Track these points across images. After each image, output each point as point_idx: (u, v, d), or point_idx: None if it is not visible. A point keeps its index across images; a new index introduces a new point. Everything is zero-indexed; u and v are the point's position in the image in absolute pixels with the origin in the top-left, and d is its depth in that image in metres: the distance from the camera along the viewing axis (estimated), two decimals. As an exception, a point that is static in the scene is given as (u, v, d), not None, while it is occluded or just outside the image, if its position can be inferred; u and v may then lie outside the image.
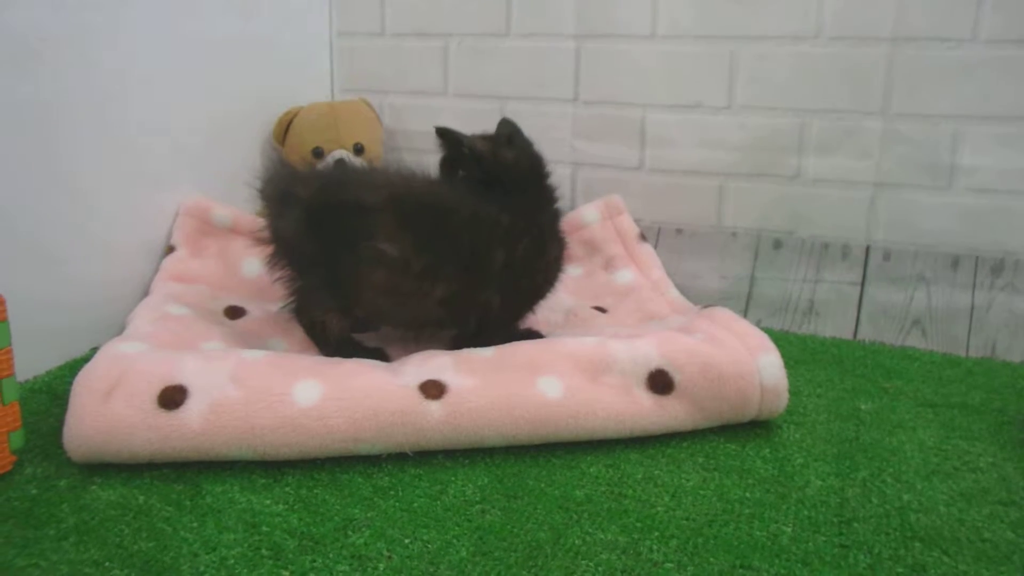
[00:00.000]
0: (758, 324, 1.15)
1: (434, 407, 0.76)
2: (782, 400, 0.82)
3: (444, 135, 0.92)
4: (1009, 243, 1.13)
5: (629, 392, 0.81)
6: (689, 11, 1.22)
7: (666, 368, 0.81)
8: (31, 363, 0.91)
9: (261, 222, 0.96)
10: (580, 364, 0.82)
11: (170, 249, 1.10)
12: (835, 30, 1.16)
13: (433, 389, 0.77)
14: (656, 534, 0.66)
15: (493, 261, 0.88)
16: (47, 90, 0.92)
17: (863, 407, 0.89)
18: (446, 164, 0.94)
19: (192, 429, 0.72)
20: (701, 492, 0.72)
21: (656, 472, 0.75)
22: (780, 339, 1.05)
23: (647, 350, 0.82)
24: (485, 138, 0.94)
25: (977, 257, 1.14)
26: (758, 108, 1.22)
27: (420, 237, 0.86)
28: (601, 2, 1.27)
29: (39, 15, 0.90)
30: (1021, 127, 1.10)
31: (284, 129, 1.28)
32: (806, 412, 0.88)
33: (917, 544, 0.65)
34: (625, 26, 1.26)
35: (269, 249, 0.94)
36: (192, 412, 0.73)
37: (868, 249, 1.19)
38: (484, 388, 0.78)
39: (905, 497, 0.71)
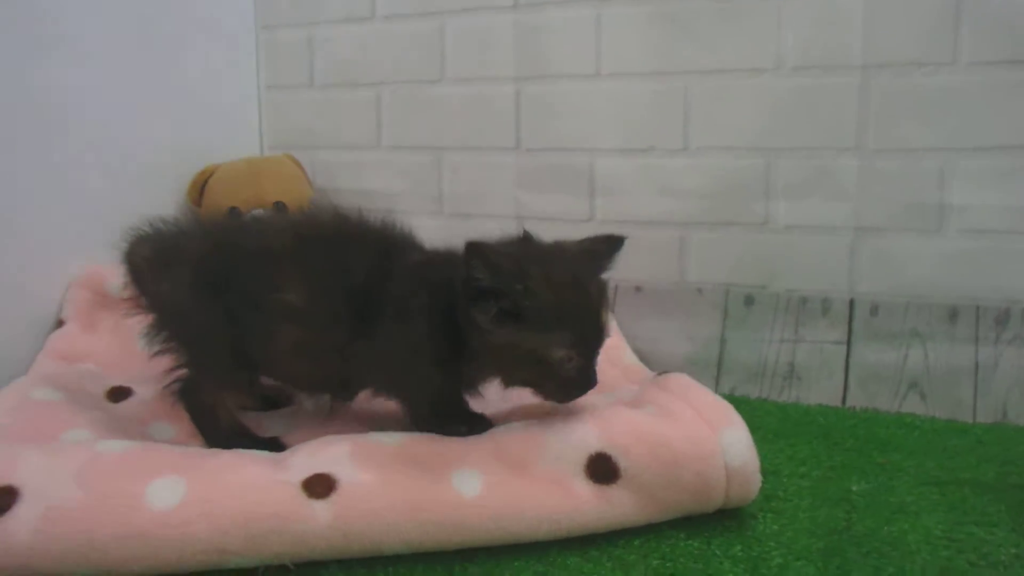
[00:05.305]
0: (732, 392, 1.04)
1: (319, 508, 0.62)
2: (753, 484, 0.69)
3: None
4: (1013, 290, 1.00)
5: (564, 483, 0.67)
6: (635, 46, 1.13)
7: (608, 452, 0.67)
8: None
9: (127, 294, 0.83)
10: (502, 453, 0.68)
11: (59, 323, 0.99)
12: (798, 59, 1.05)
13: (319, 486, 0.64)
14: (585, 676, 0.51)
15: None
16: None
17: (855, 488, 0.76)
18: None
19: (20, 542, 0.59)
20: (651, 610, 0.57)
21: (598, 583, 0.60)
22: (757, 408, 0.96)
23: (583, 431, 0.69)
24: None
25: (978, 307, 1.01)
26: (717, 149, 1.11)
27: (320, 280, 0.74)
28: (540, 40, 1.18)
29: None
30: (1017, 158, 0.98)
31: (199, 189, 1.17)
32: (787, 496, 0.74)
33: (929, 677, 0.50)
34: (567, 65, 1.17)
35: (148, 319, 0.81)
36: (20, 520, 0.60)
37: (852, 303, 1.06)
38: (383, 485, 0.64)
39: (911, 609, 0.57)
